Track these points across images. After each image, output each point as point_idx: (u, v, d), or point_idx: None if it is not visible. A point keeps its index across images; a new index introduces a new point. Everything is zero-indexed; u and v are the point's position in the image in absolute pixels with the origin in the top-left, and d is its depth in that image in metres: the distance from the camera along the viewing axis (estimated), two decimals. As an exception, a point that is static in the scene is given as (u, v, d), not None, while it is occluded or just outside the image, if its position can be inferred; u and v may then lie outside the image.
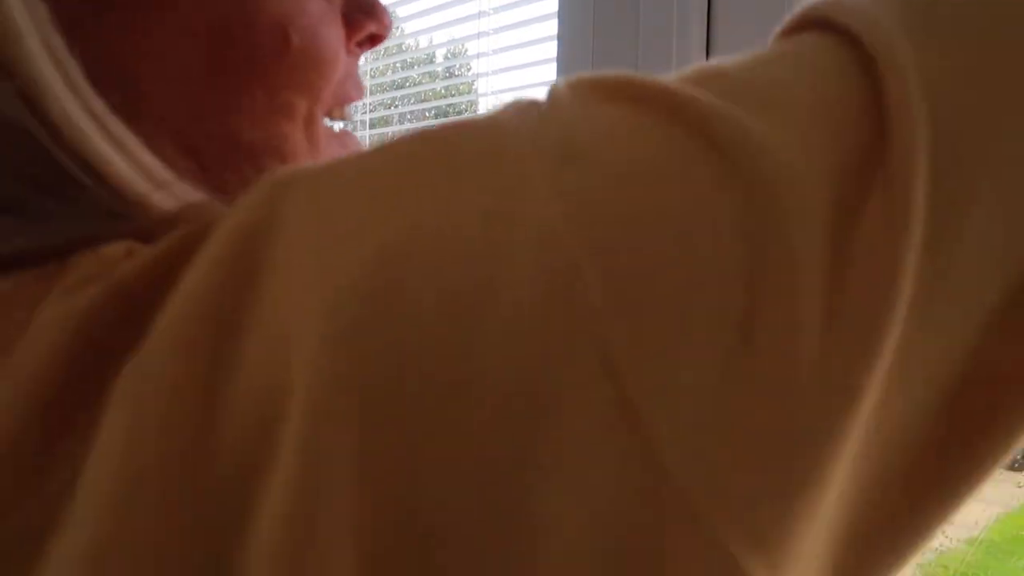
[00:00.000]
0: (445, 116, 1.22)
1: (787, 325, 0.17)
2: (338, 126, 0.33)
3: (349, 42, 0.31)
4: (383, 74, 1.30)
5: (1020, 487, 2.67)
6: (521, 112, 0.19)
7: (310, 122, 0.29)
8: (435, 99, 1.21)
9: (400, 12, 1.23)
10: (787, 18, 0.22)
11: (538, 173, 0.17)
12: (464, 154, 0.18)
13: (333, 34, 0.28)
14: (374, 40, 0.33)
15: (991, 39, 0.19)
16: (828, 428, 0.16)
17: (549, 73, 0.92)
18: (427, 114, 1.23)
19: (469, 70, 1.22)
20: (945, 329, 0.18)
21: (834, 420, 0.17)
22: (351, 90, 0.32)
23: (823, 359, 0.17)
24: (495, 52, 1.04)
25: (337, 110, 0.32)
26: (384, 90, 1.27)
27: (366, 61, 1.29)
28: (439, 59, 1.24)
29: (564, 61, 0.90)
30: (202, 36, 0.26)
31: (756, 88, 0.19)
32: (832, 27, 0.20)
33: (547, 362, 0.16)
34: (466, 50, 1.17)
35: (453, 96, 1.21)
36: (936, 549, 2.40)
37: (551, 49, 0.93)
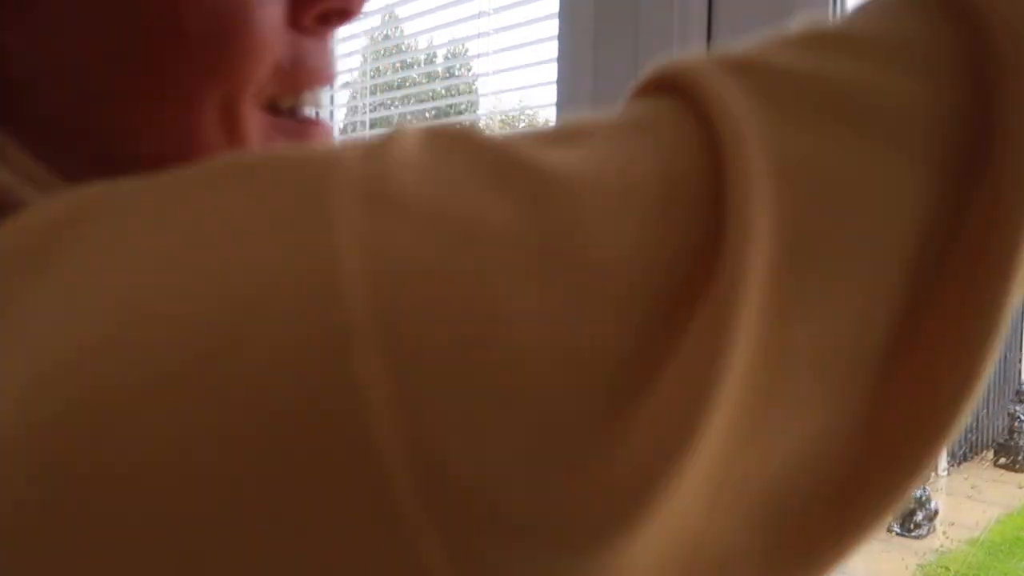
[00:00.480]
0: (446, 116, 1.21)
1: (598, 417, 0.15)
2: (310, 112, 0.29)
3: (302, 17, 0.27)
4: (383, 74, 1.30)
5: (1022, 488, 2.66)
6: (349, 149, 0.18)
7: (228, 112, 0.26)
8: (435, 99, 1.21)
9: (400, 12, 1.23)
10: (640, 78, 0.20)
11: (342, 215, 0.15)
12: (263, 191, 0.16)
13: (259, 12, 0.25)
14: (343, 15, 0.28)
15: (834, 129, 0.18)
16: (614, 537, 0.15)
17: (550, 73, 0.92)
18: (427, 114, 1.23)
19: (470, 70, 1.22)
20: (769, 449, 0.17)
21: (626, 523, 0.15)
22: (310, 73, 0.28)
23: (630, 456, 0.15)
24: (495, 52, 1.04)
25: (287, 96, 0.28)
26: (383, 90, 1.27)
27: (365, 61, 1.29)
28: (439, 59, 1.24)
29: (564, 61, 0.90)
30: (86, 26, 0.24)
31: (597, 160, 0.17)
32: (684, 95, 0.19)
33: (302, 444, 0.13)
34: (466, 50, 1.17)
35: (453, 96, 1.21)
36: (937, 550, 2.40)
37: (552, 49, 0.93)
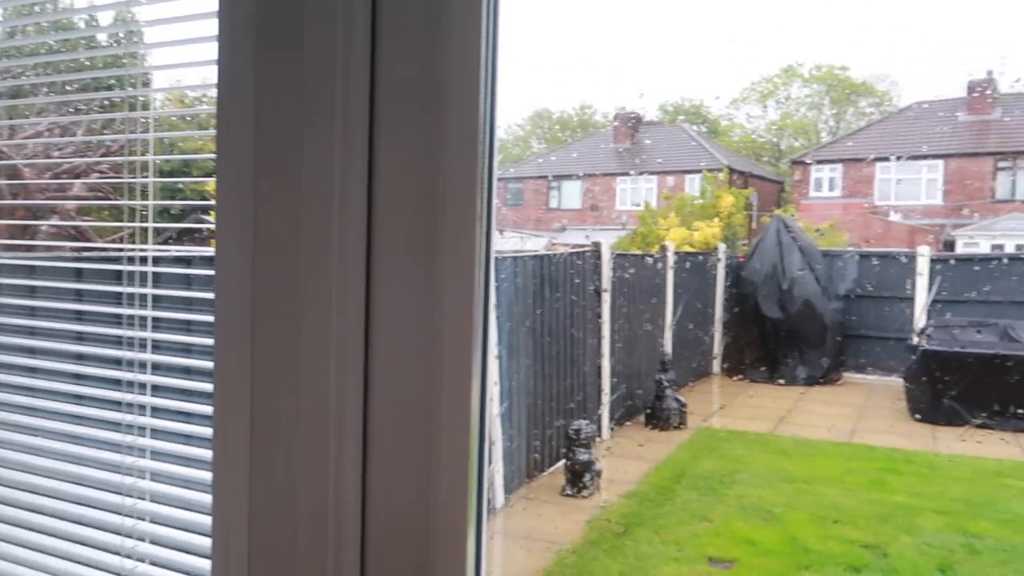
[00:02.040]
0: (95, 91, 1.08)
1: None
2: None
3: None
4: (11, 37, 1.11)
5: (666, 444, 3.13)
6: None
7: None
8: (86, 70, 1.06)
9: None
10: None
11: None
12: None
13: None
14: None
15: None
16: None
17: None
18: (70, 86, 1.08)
19: (136, 41, 1.10)
20: None
21: None
22: None
23: None
24: (149, 24, 0.94)
25: None
26: (10, 55, 1.09)
27: (-8, 19, 1.10)
28: (81, 27, 1.10)
29: (224, 45, 0.85)
30: None
31: None
32: None
33: None
34: (134, 16, 1.05)
35: (109, 68, 1.08)
36: (601, 505, 2.74)
37: (213, 26, 0.87)
